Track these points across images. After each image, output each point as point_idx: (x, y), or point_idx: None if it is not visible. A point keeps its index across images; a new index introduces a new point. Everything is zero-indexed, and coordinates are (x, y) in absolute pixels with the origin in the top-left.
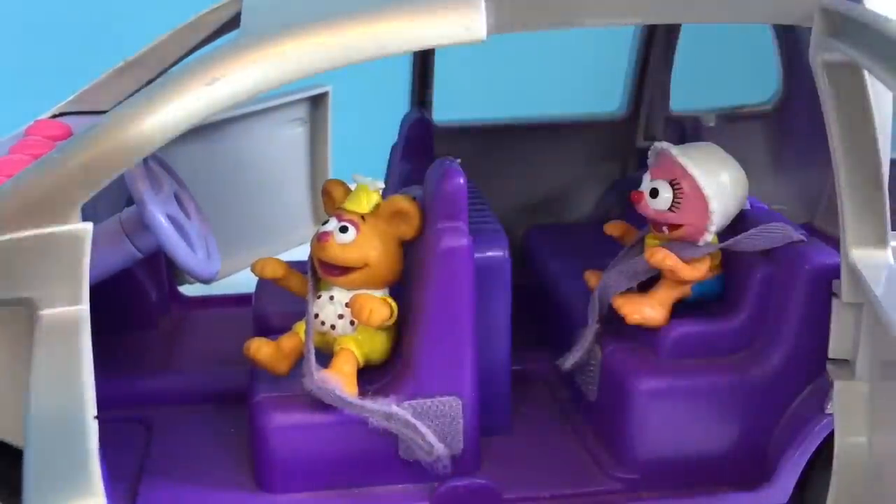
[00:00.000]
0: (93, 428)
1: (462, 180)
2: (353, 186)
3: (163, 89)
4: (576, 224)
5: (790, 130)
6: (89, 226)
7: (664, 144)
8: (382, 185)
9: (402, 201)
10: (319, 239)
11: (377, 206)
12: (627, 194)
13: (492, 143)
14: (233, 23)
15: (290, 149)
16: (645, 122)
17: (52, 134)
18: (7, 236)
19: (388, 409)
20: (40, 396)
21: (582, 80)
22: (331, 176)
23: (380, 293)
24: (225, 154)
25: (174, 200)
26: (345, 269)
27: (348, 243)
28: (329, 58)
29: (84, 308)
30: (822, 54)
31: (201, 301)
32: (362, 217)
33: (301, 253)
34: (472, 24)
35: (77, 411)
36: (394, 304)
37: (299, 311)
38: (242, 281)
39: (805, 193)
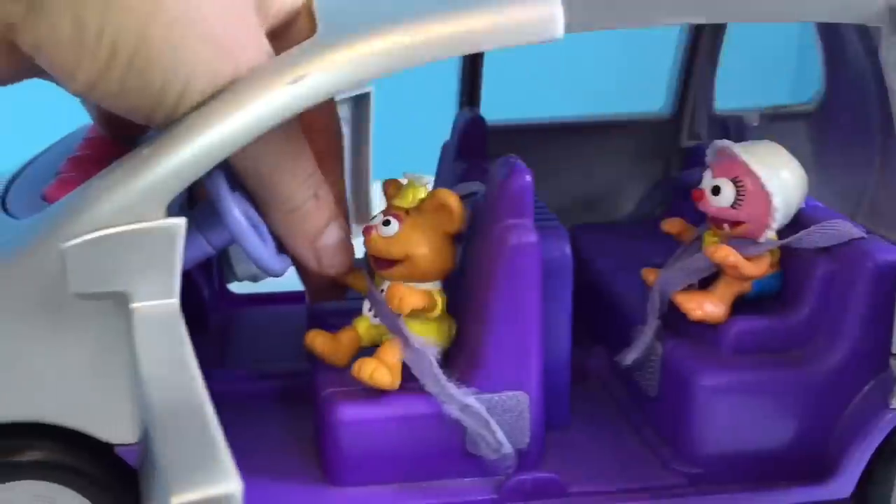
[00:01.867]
0: (214, 417)
1: (529, 178)
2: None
3: (246, 88)
4: (618, 223)
5: (832, 129)
6: (183, 221)
7: (725, 143)
8: (428, 180)
9: (444, 195)
10: (364, 232)
11: (422, 201)
12: (671, 193)
13: (536, 142)
14: None
15: None
16: (689, 122)
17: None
18: (102, 232)
19: (464, 400)
20: (156, 389)
21: (618, 80)
22: (371, 175)
23: (428, 286)
24: None
25: (246, 197)
26: (390, 262)
27: (391, 236)
28: (411, 57)
29: (176, 302)
30: (893, 52)
31: (250, 299)
32: (406, 212)
33: None
34: (550, 23)
35: (195, 402)
36: (439, 297)
37: (354, 307)
38: (285, 280)
39: (847, 191)
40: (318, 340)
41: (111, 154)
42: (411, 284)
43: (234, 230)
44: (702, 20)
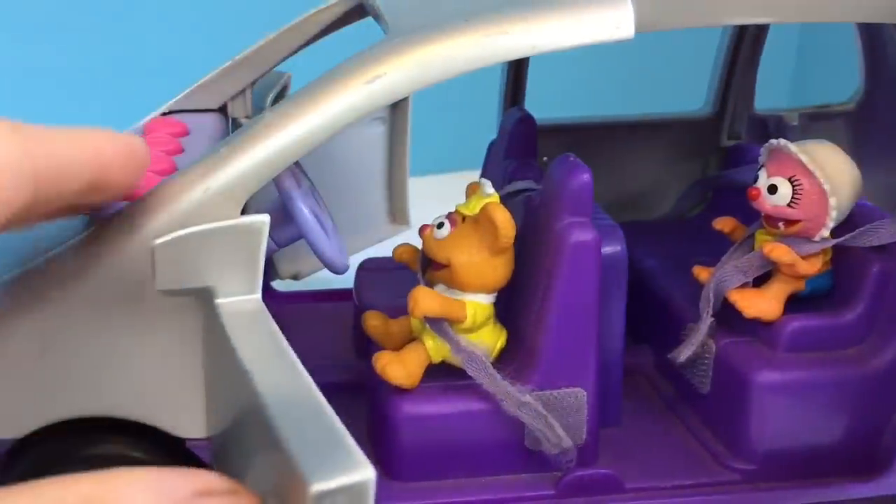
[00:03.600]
0: (329, 406)
1: (588, 176)
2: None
3: (323, 88)
4: (656, 222)
5: (872, 128)
6: (267, 218)
7: (782, 141)
8: (493, 192)
9: (492, 210)
10: (420, 230)
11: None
12: (708, 193)
13: (576, 141)
14: (340, 22)
15: (369, 147)
16: (730, 121)
17: (173, 131)
18: (190, 229)
19: (521, 397)
20: (265, 382)
21: (654, 79)
22: (409, 174)
23: (471, 297)
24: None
25: (312, 195)
26: (438, 265)
27: (441, 239)
28: (483, 56)
29: (259, 297)
30: None
31: (294, 296)
32: (463, 218)
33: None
34: (621, 23)
35: (308, 392)
36: (478, 311)
37: (402, 304)
38: (330, 277)
39: (887, 190)
40: (371, 321)
41: (172, 152)
42: (453, 291)
43: (305, 228)
44: (769, 20)
